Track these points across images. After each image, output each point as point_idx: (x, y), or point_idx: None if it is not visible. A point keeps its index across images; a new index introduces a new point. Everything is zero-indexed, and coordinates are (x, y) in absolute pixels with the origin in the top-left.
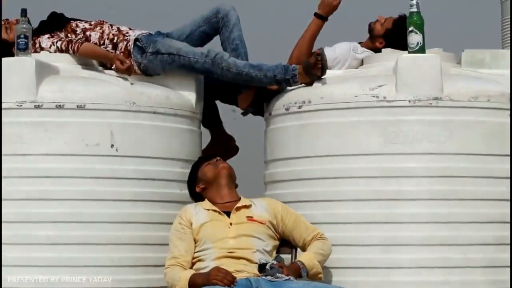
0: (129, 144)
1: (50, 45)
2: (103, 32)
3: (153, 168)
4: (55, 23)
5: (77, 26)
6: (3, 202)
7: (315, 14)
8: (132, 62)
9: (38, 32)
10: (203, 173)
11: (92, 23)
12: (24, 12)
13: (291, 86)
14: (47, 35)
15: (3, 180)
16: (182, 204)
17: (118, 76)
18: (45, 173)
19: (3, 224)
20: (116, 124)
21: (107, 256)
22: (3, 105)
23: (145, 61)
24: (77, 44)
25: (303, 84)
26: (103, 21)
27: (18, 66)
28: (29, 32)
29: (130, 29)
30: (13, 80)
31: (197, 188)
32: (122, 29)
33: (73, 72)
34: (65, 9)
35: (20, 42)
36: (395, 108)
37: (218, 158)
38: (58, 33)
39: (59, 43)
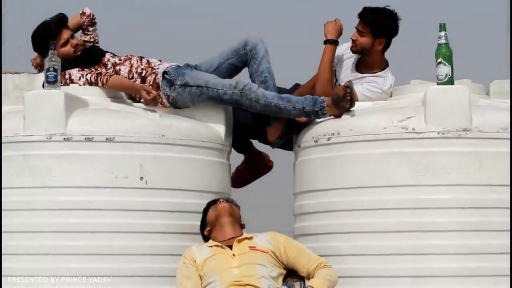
0: (158, 177)
1: (80, 77)
2: (131, 66)
3: (183, 201)
4: (90, 58)
5: (108, 60)
6: (34, 235)
7: (326, 41)
8: (161, 95)
9: (71, 65)
10: (208, 217)
11: (122, 58)
12: (53, 45)
13: (319, 118)
14: (77, 68)
15: (33, 212)
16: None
17: (147, 109)
18: (74, 206)
19: (34, 257)
20: (146, 156)
21: None
22: (33, 138)
23: (174, 93)
24: (106, 77)
25: (331, 116)
26: (132, 56)
27: (47, 99)
28: (58, 66)
29: (160, 60)
30: (42, 112)
31: (205, 231)
32: (151, 61)
33: (102, 105)
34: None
35: (49, 75)
36: (424, 140)
37: (221, 200)
38: (90, 66)
39: (88, 76)
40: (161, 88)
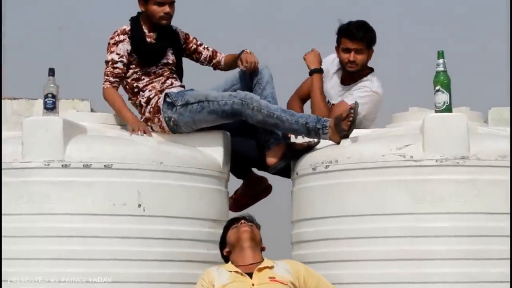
0: (156, 204)
1: (119, 55)
2: (150, 83)
3: (181, 228)
4: (147, 58)
5: (149, 68)
6: (32, 261)
7: (313, 72)
8: (161, 119)
9: (138, 40)
10: (228, 237)
11: (158, 71)
12: (51, 72)
13: (319, 138)
14: (127, 49)
15: (32, 239)
16: (210, 264)
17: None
18: (72, 233)
19: (33, 284)
20: (144, 183)
21: None
22: (32, 164)
23: (175, 115)
24: (105, 84)
25: (330, 142)
26: (164, 74)
27: (45, 125)
28: (56, 92)
29: (183, 86)
30: (40, 139)
31: (224, 252)
32: (174, 83)
33: (100, 131)
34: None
35: (48, 102)
36: (422, 168)
37: (243, 221)
38: (137, 60)
39: (119, 64)
40: (161, 112)
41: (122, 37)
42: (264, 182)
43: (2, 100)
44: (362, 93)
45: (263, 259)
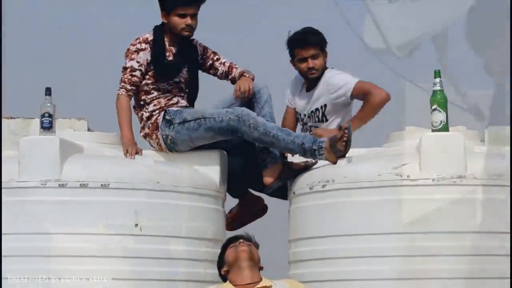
0: (153, 224)
1: (138, 64)
2: (156, 98)
3: (178, 248)
4: (163, 74)
5: (162, 85)
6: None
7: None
8: (158, 136)
9: (158, 55)
10: (226, 256)
11: (167, 87)
12: (48, 91)
13: (315, 158)
14: (147, 59)
15: (28, 258)
16: (207, 283)
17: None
18: (69, 252)
19: None
20: (141, 203)
21: None
22: (28, 184)
23: (173, 132)
24: (121, 90)
25: (327, 162)
26: (173, 90)
27: (42, 144)
28: (53, 111)
29: (186, 106)
30: (37, 158)
31: (222, 271)
32: (180, 102)
33: (97, 150)
34: None
35: (45, 121)
36: (419, 187)
37: (241, 240)
38: (153, 74)
39: (137, 73)
40: (159, 129)
41: (144, 45)
42: (260, 202)
43: None
44: (334, 79)
45: (262, 279)
